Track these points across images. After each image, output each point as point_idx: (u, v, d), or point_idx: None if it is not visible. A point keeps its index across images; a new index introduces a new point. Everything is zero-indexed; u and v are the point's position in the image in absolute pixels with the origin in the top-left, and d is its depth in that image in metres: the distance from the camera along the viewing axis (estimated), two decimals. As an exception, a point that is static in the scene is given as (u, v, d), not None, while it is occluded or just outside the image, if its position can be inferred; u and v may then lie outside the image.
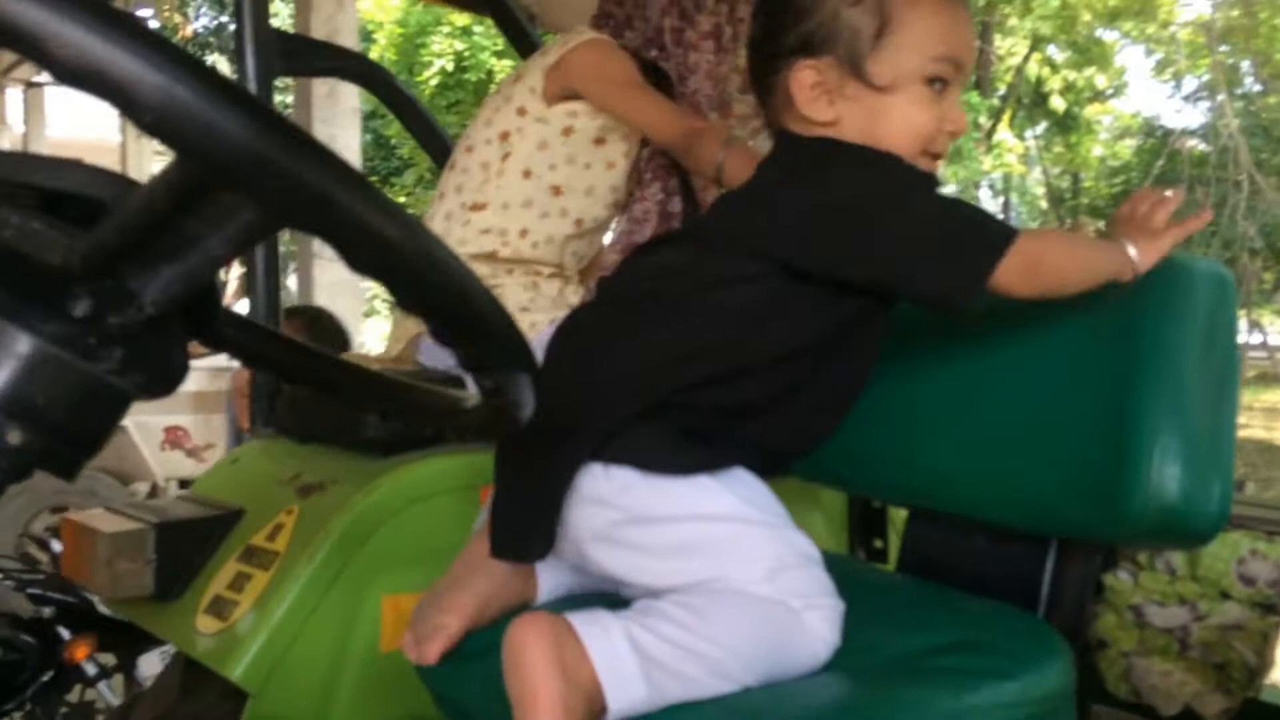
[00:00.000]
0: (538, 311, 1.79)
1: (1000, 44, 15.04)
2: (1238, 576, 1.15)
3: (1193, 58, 14.98)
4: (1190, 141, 15.65)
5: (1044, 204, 23.12)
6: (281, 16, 12.02)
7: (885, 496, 1.50)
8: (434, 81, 11.49)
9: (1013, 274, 1.00)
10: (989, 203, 21.41)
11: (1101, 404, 1.09)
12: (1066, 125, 18.85)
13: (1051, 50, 15.87)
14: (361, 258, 0.57)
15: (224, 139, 0.49)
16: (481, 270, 1.79)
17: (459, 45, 11.42)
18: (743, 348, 1.05)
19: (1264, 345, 18.78)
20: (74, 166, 0.68)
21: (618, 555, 1.02)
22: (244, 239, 0.61)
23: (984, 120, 12.85)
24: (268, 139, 0.50)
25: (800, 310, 1.06)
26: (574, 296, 1.86)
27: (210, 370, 6.09)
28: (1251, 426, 14.07)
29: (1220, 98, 13.19)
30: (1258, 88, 16.35)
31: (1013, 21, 12.79)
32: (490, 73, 12.84)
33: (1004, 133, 17.29)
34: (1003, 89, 16.38)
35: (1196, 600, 1.14)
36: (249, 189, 0.52)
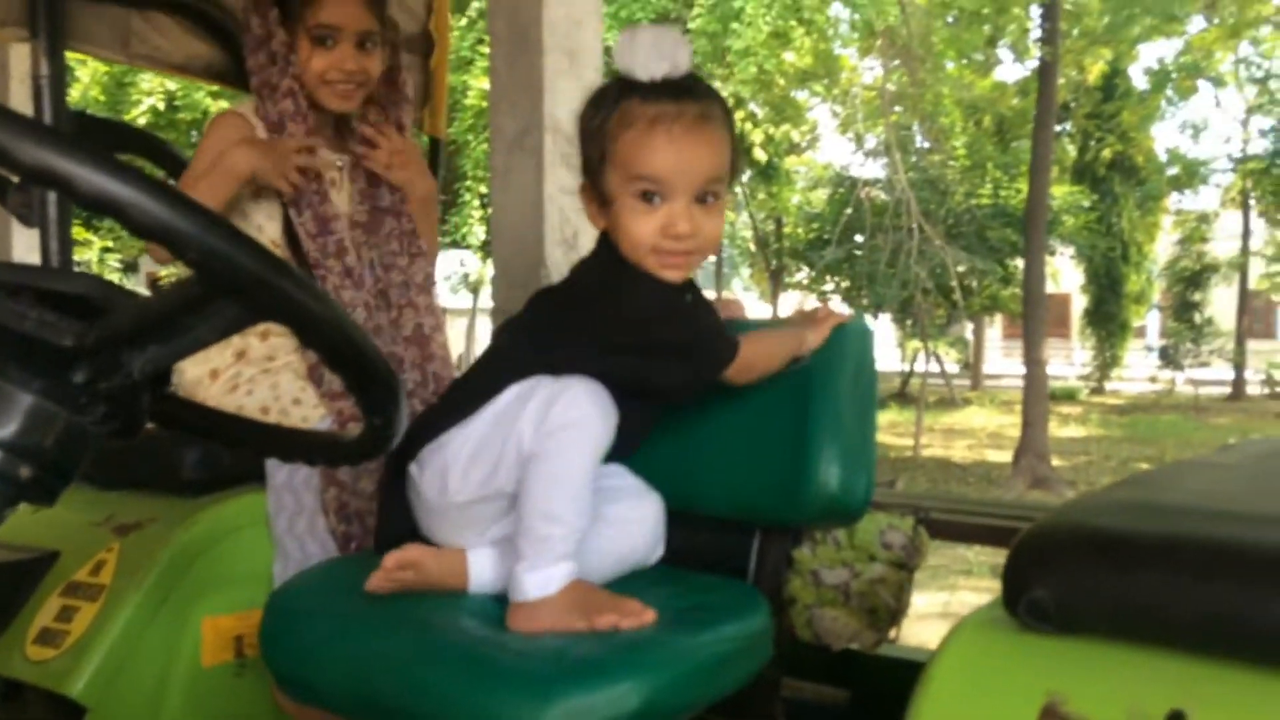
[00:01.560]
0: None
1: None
2: (881, 544, 1.60)
3: (871, 118, 16.73)
4: (873, 192, 17.44)
5: (752, 247, 24.87)
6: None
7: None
8: (143, 120, 11.05)
9: (732, 374, 1.46)
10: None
11: (785, 425, 1.52)
12: (768, 175, 20.40)
13: (753, 107, 17.22)
14: (307, 336, 0.87)
15: (240, 271, 0.78)
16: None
17: (170, 85, 11.05)
18: None
19: (941, 374, 20.97)
20: (78, 276, 0.92)
21: None
22: (227, 328, 0.88)
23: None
24: (267, 268, 0.79)
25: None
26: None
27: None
28: (932, 446, 15.78)
29: (894, 154, 14.84)
30: (926, 145, 18.49)
31: (717, 84, 13.90)
32: (205, 112, 12.46)
33: (712, 181, 18.52)
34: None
35: (854, 563, 1.58)
36: (248, 301, 0.81)
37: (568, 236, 3.01)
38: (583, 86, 3.48)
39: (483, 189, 12.88)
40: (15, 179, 1.79)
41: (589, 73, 3.61)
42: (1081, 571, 0.93)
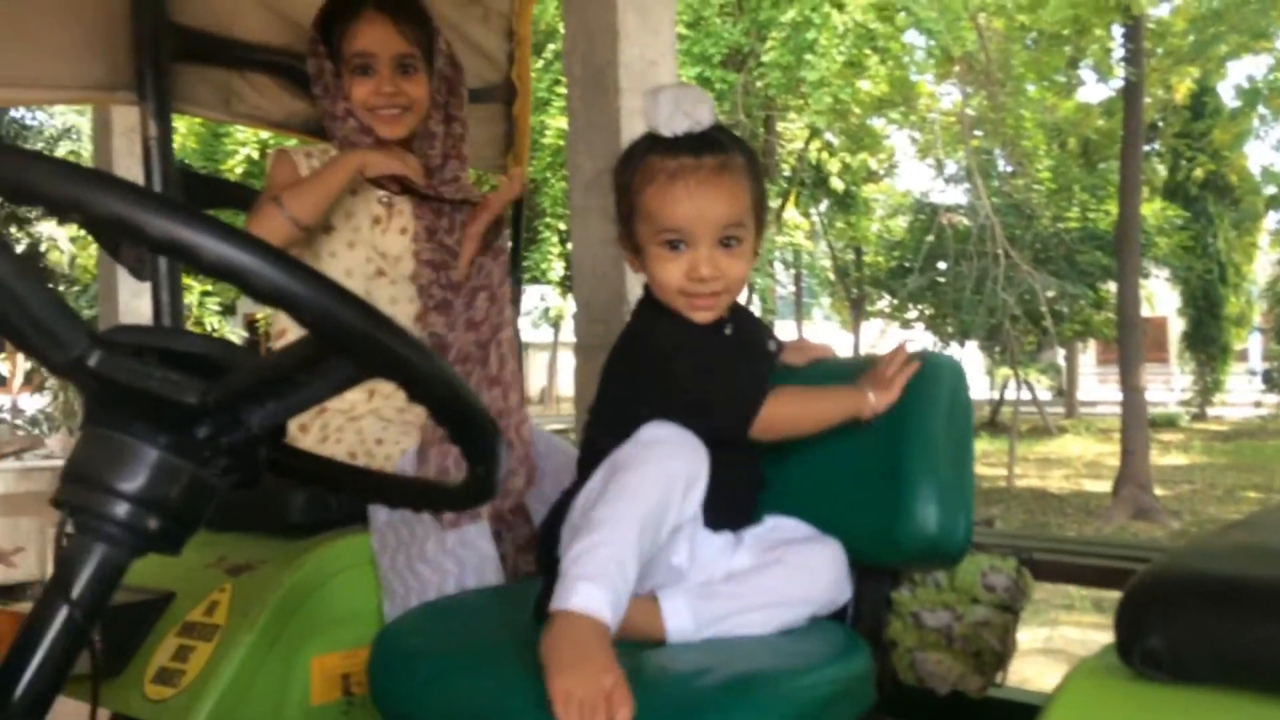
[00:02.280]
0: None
1: (783, 130, 16.22)
2: (983, 586, 1.57)
3: (950, 143, 16.55)
4: (955, 217, 17.22)
5: (831, 276, 24.71)
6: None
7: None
8: (239, 170, 11.45)
9: (757, 432, 1.48)
10: (781, 275, 22.76)
11: (879, 464, 1.51)
12: (846, 204, 20.29)
13: (829, 135, 17.19)
14: (415, 391, 0.90)
15: (352, 331, 0.82)
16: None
17: (264, 135, 11.44)
18: None
19: (1033, 401, 20.51)
20: (200, 337, 0.97)
21: None
22: (340, 385, 0.92)
23: (773, 203, 13.87)
24: (377, 328, 0.83)
25: None
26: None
27: (19, 471, 5.89)
28: (1027, 476, 15.41)
29: (975, 180, 14.64)
30: (1009, 169, 18.20)
31: (792, 115, 13.94)
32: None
33: (791, 211, 18.55)
34: (788, 171, 17.58)
35: (956, 605, 1.56)
36: (360, 359, 0.84)
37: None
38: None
39: (561, 226, 13.06)
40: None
41: (668, 111, 3.65)
42: (1196, 619, 0.91)
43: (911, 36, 13.53)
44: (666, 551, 1.38)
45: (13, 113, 15.80)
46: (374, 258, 1.97)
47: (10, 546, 5.85)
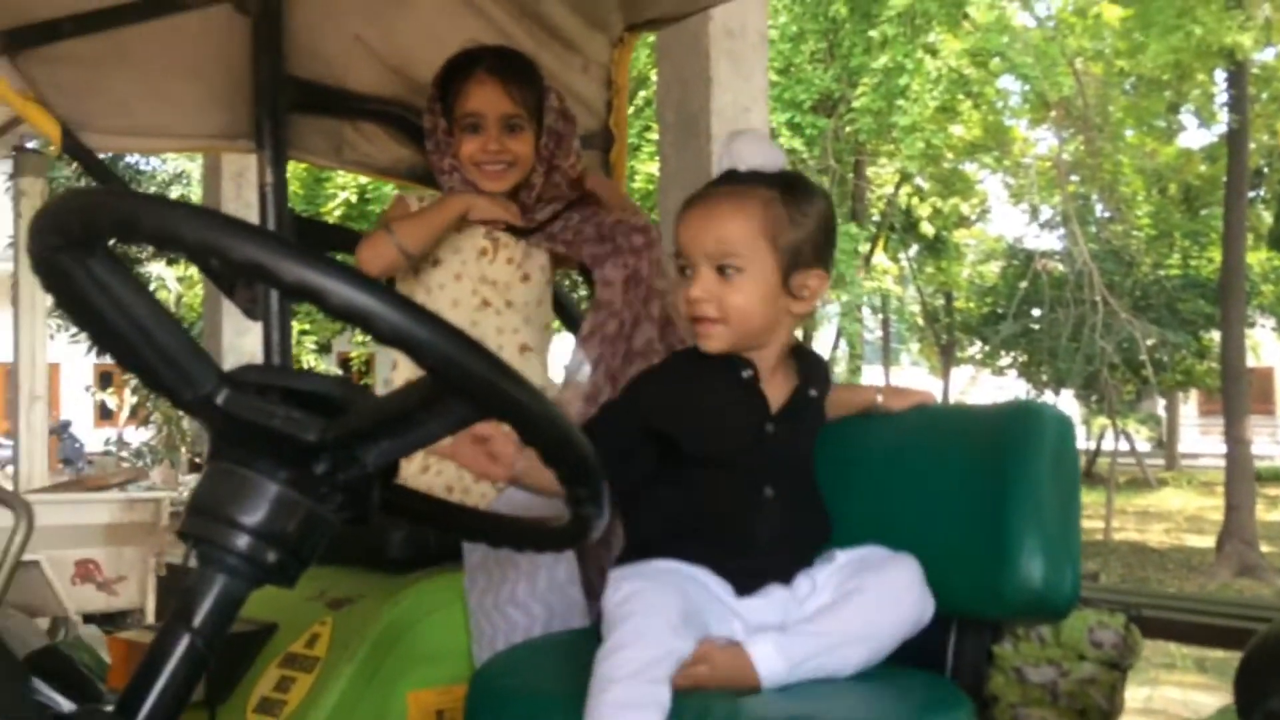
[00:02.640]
0: None
1: (873, 174, 16.16)
2: (1090, 642, 1.53)
3: (1046, 188, 16.30)
4: (1049, 264, 16.90)
5: (920, 321, 24.39)
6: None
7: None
8: (338, 213, 11.82)
9: None
10: (870, 319, 22.55)
11: (984, 517, 1.48)
12: (936, 249, 20.07)
13: (919, 180, 17.07)
14: (528, 433, 0.92)
15: (472, 375, 0.84)
16: None
17: (362, 180, 11.81)
18: None
19: (1131, 452, 19.90)
20: (321, 377, 1.00)
21: None
22: (455, 425, 0.94)
23: (862, 247, 13.81)
24: (494, 372, 0.85)
25: None
26: None
27: (124, 502, 6.07)
28: (1125, 530, 14.94)
29: (1072, 225, 14.38)
30: (1106, 214, 17.84)
31: (883, 160, 13.90)
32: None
33: (880, 256, 18.41)
34: (877, 215, 17.49)
35: (1061, 661, 1.51)
36: (477, 402, 0.87)
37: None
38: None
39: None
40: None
41: (761, 157, 3.68)
42: None
43: (1006, 81, 13.43)
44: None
45: (128, 159, 16.57)
46: (479, 289, 2.03)
47: (114, 575, 6.00)
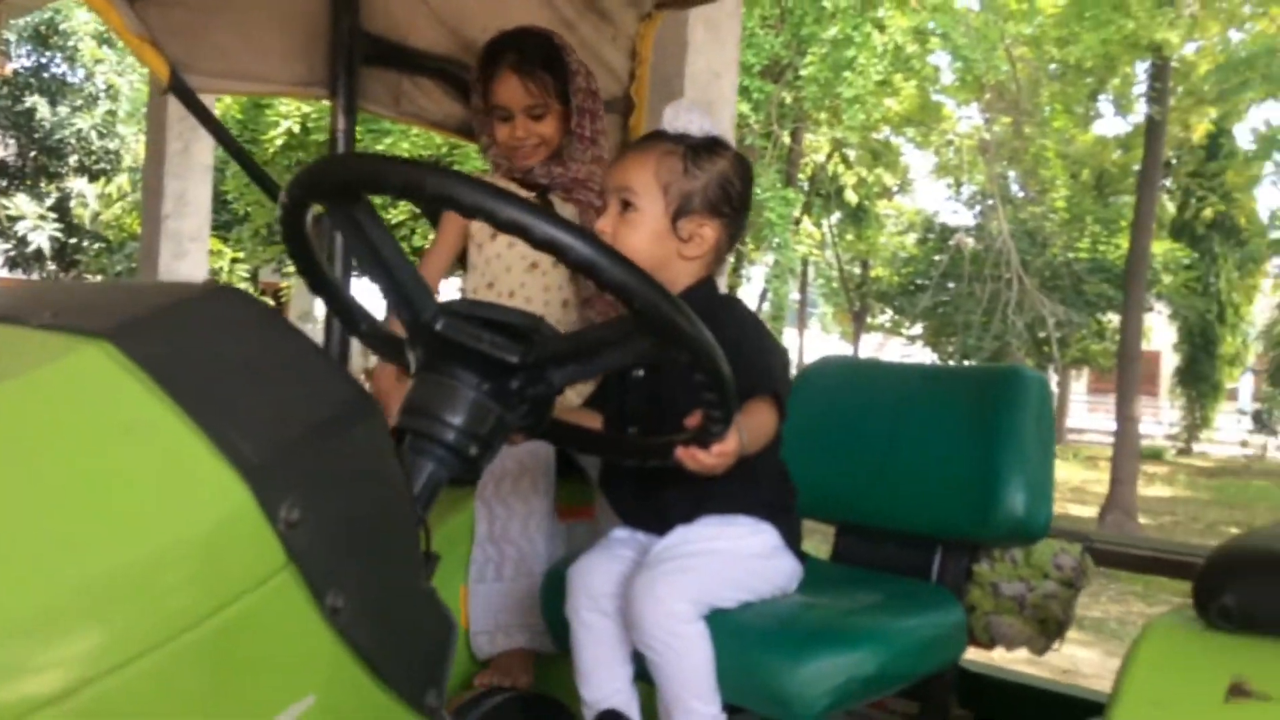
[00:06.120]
0: None
1: (808, 142, 16.49)
2: (1053, 565, 1.87)
3: (970, 166, 16.87)
4: (965, 239, 17.54)
5: (835, 286, 25.02)
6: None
7: (820, 515, 2.14)
8: (279, 142, 11.70)
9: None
10: (791, 282, 23.05)
11: (976, 458, 1.80)
12: (858, 217, 20.57)
13: (848, 149, 17.45)
14: (698, 364, 1.17)
15: (665, 319, 1.10)
16: None
17: (305, 109, 11.69)
18: None
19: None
20: (513, 310, 1.25)
21: None
22: (636, 358, 1.20)
23: (796, 212, 14.18)
24: (680, 316, 1.11)
25: None
26: None
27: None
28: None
29: (993, 203, 14.96)
30: (1024, 195, 18.53)
31: (823, 129, 14.24)
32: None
33: (804, 220, 18.84)
34: (805, 182, 17.85)
35: (1029, 579, 1.86)
36: (662, 339, 1.13)
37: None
38: (720, 132, 3.80)
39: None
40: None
41: (724, 121, 3.92)
42: (1262, 584, 1.20)
43: (936, 58, 13.85)
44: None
45: (54, 69, 16.06)
46: (528, 254, 2.25)
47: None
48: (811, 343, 28.09)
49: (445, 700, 0.98)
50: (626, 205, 1.67)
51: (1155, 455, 22.06)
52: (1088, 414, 30.77)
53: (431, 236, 2.37)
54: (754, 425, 1.44)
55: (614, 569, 1.62)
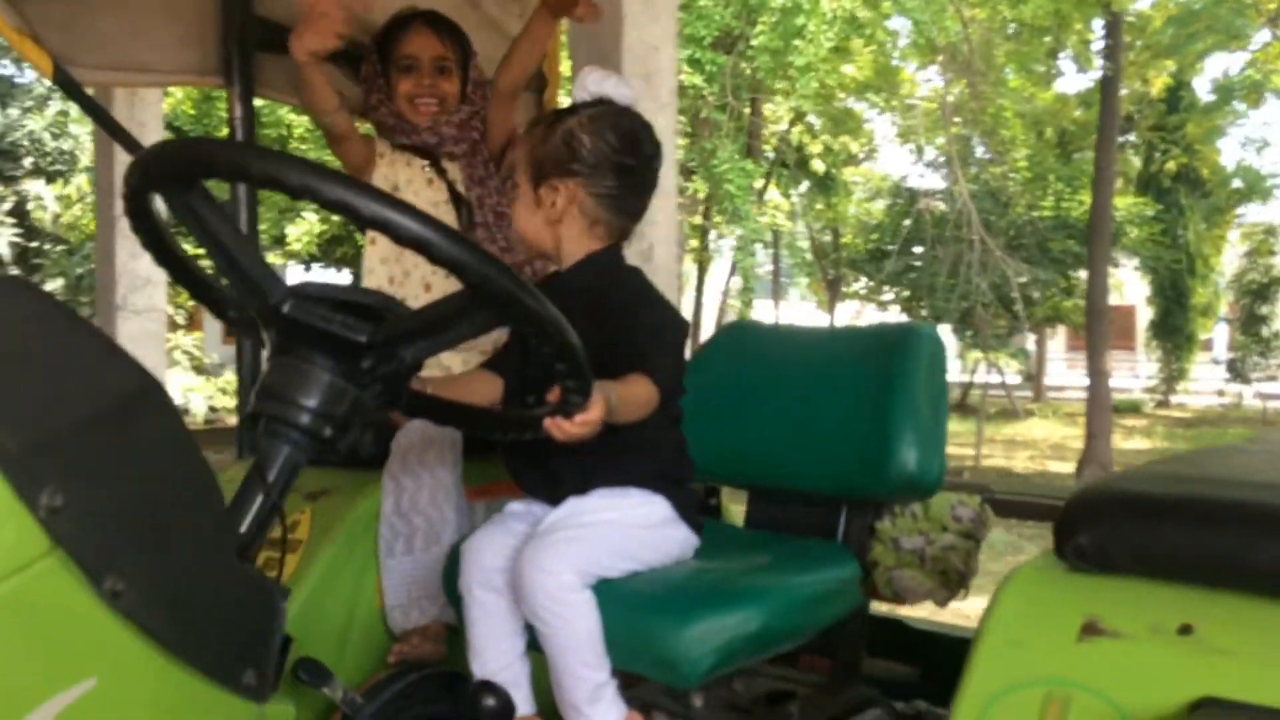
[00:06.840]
0: None
1: (769, 113, 16.46)
2: (952, 517, 1.89)
3: (931, 130, 16.88)
4: (932, 203, 17.57)
5: (809, 256, 25.05)
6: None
7: (734, 481, 2.16)
8: (224, 130, 11.60)
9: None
10: (761, 254, 23.07)
11: (871, 416, 1.82)
12: (826, 186, 20.58)
13: (811, 118, 17.44)
14: (541, 336, 1.18)
15: (502, 291, 1.11)
16: None
17: (257, 102, 11.58)
18: None
19: (1002, 385, 20.96)
20: (363, 290, 1.25)
21: None
22: (478, 330, 1.21)
23: (757, 184, 14.16)
24: (520, 289, 1.12)
25: None
26: None
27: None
28: (993, 457, 15.83)
29: (954, 166, 14.99)
30: (988, 157, 18.57)
31: (779, 99, 14.22)
32: (290, 127, 13.01)
33: (772, 192, 18.84)
34: (771, 152, 17.83)
35: (929, 532, 1.87)
36: (501, 312, 1.13)
37: (643, 249, 3.34)
38: (659, 106, 3.79)
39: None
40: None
41: (664, 93, 3.91)
42: (1116, 524, 1.22)
43: (895, 23, 13.83)
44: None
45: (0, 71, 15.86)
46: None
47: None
48: (788, 314, 28.13)
49: (268, 679, 0.99)
50: (515, 185, 1.68)
51: (1134, 409, 22.26)
52: (1067, 371, 30.96)
53: None
54: (626, 395, 1.45)
55: (506, 543, 1.63)
